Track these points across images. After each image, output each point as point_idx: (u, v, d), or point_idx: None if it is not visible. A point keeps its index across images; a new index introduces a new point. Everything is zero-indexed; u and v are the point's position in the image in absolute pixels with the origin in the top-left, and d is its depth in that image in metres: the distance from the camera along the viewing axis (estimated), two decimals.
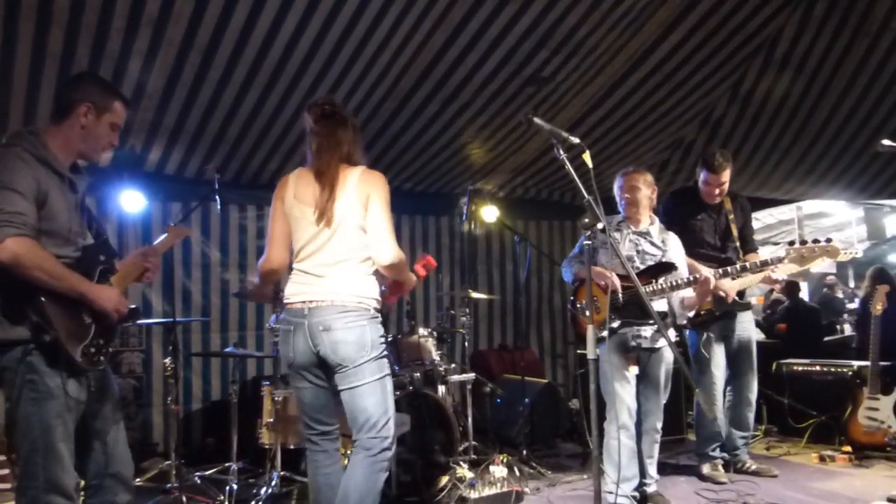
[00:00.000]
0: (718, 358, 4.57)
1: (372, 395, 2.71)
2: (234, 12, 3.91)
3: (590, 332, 2.53)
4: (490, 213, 6.11)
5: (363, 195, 2.73)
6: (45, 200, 2.37)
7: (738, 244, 4.53)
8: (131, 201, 4.98)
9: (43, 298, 2.31)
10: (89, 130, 2.55)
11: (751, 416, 4.70)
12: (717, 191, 4.46)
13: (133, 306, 2.69)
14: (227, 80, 4.44)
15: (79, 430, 2.47)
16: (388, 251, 2.72)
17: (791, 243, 3.99)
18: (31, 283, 2.28)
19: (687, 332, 4.70)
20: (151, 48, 4.05)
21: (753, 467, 4.63)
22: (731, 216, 4.54)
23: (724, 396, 4.70)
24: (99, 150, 2.63)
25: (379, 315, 2.79)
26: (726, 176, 4.41)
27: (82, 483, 2.60)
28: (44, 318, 2.31)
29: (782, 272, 4.05)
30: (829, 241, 3.88)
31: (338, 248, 2.73)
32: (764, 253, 4.89)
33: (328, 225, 2.73)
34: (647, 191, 4.00)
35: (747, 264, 4.02)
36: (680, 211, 4.60)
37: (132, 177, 5.09)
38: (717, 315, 4.45)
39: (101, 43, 3.94)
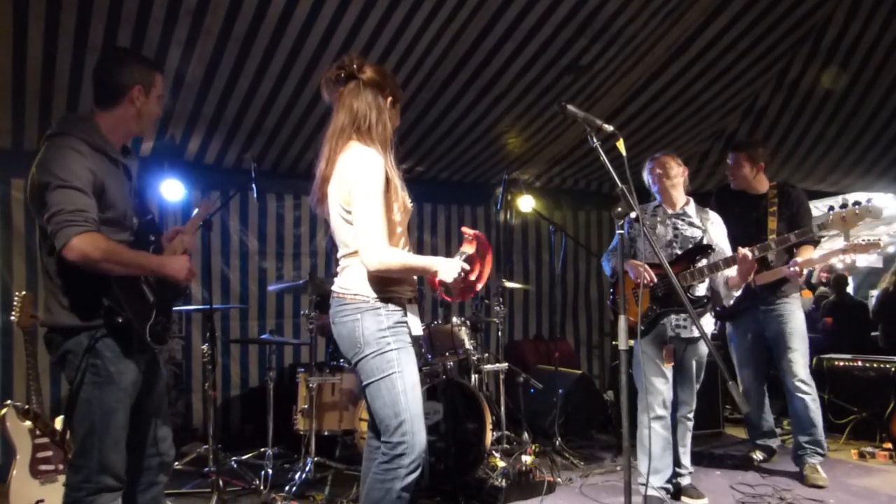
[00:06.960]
0: (742, 350, 4.54)
1: (377, 398, 2.44)
2: (271, 2, 3.94)
3: (621, 321, 2.50)
4: (526, 203, 6.10)
5: (344, 189, 2.46)
6: (102, 191, 2.40)
7: (773, 236, 4.23)
8: (171, 190, 5.08)
9: (114, 284, 2.39)
10: (142, 111, 2.58)
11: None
12: (731, 176, 4.50)
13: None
14: (265, 70, 4.48)
15: (131, 410, 2.54)
16: (368, 256, 2.39)
17: (830, 208, 3.83)
18: (104, 274, 2.35)
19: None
20: (190, 38, 4.10)
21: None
22: (773, 208, 4.38)
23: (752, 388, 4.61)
24: (152, 126, 2.67)
25: (385, 304, 2.46)
26: (737, 159, 4.42)
27: None
28: (116, 301, 2.39)
29: (806, 263, 4.04)
30: (869, 201, 3.75)
31: (337, 237, 2.60)
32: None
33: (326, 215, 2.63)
34: (678, 169, 3.97)
35: (773, 241, 3.89)
36: (718, 203, 4.56)
37: (172, 166, 5.21)
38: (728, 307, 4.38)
39: (140, 33, 4.00)
